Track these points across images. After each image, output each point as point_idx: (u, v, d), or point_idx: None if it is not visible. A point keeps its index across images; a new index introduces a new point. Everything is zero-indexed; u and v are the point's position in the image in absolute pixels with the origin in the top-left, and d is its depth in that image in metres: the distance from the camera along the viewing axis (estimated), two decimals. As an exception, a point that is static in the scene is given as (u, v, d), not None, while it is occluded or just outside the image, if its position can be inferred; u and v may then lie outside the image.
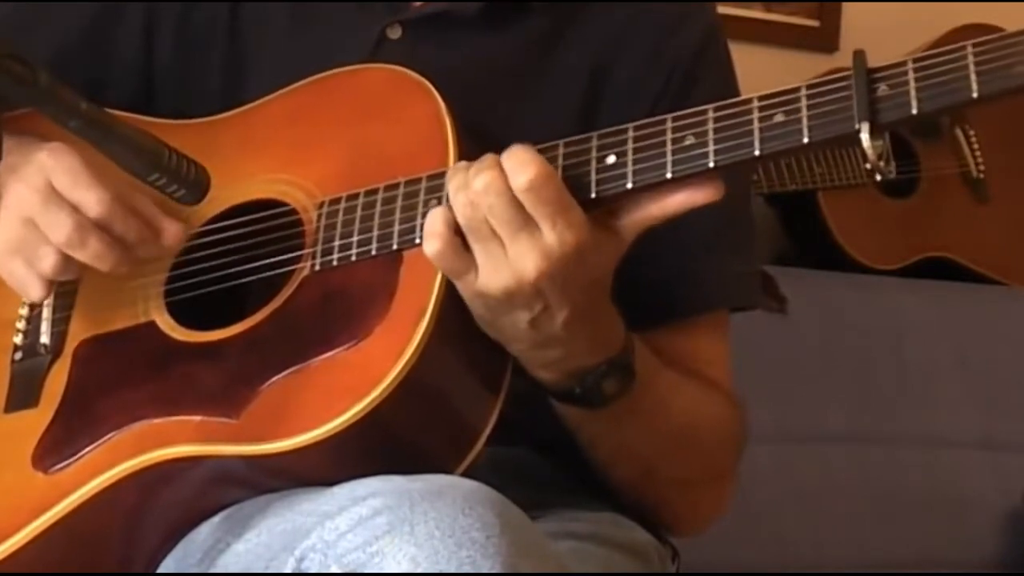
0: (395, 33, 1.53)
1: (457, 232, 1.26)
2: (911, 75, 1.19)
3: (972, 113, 2.99)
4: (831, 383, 2.76)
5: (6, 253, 1.38)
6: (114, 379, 1.40)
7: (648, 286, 1.45)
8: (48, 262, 1.37)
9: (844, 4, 3.28)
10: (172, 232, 1.40)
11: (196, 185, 1.36)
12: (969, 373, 2.86)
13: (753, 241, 1.61)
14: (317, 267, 1.37)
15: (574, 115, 1.51)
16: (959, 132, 3.10)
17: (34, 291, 1.39)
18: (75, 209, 1.35)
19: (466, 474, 1.30)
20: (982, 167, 3.12)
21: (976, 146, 3.11)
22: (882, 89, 1.19)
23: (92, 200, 1.35)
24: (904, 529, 2.72)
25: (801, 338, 2.74)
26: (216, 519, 1.34)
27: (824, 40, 3.26)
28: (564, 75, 1.53)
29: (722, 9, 1.69)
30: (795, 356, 2.73)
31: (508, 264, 1.25)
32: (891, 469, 2.76)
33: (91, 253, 1.36)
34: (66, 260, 1.37)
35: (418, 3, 1.54)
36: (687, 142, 1.25)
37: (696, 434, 1.48)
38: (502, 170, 1.24)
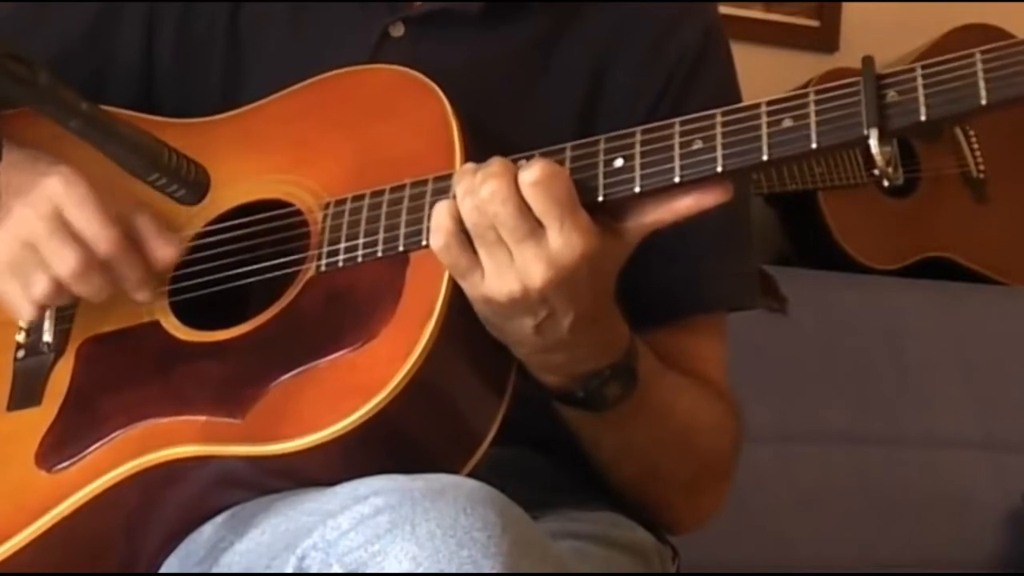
0: (397, 31, 1.53)
1: (463, 228, 1.26)
2: (920, 81, 1.18)
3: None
4: (831, 383, 2.76)
5: (1, 274, 1.38)
6: (118, 378, 1.40)
7: (647, 287, 1.44)
8: (40, 288, 1.36)
9: (844, 4, 3.28)
10: (167, 258, 1.39)
11: (196, 185, 1.36)
12: (969, 373, 2.86)
13: (751, 242, 1.61)
14: (323, 268, 1.36)
15: (575, 114, 1.51)
16: (959, 132, 3.11)
17: (25, 313, 1.39)
18: (82, 244, 1.35)
19: (467, 474, 1.29)
20: (982, 167, 3.12)
21: (976, 146, 3.11)
22: (891, 95, 1.19)
23: (102, 238, 1.35)
24: (904, 529, 2.72)
25: (801, 338, 2.74)
26: (219, 518, 1.34)
27: (824, 40, 3.26)
28: (565, 74, 1.52)
29: (722, 9, 1.69)
30: (795, 356, 2.73)
31: (514, 271, 1.25)
32: (891, 469, 2.76)
33: (91, 290, 1.37)
34: (59, 289, 1.36)
35: (419, 1, 1.54)
36: (695, 146, 1.24)
37: (697, 435, 1.48)
38: (509, 177, 1.24)
